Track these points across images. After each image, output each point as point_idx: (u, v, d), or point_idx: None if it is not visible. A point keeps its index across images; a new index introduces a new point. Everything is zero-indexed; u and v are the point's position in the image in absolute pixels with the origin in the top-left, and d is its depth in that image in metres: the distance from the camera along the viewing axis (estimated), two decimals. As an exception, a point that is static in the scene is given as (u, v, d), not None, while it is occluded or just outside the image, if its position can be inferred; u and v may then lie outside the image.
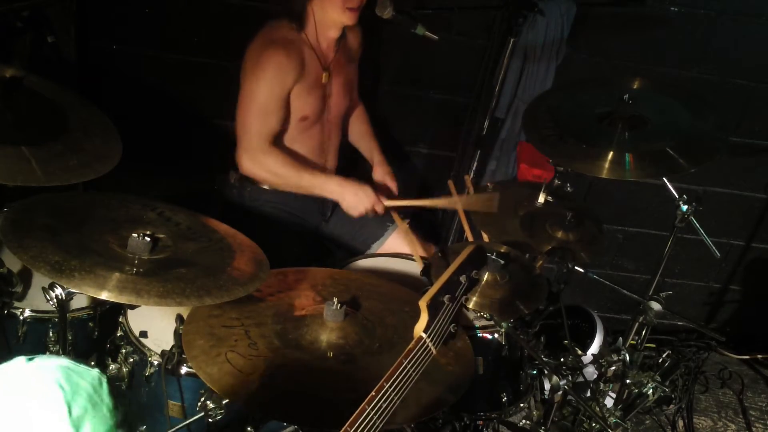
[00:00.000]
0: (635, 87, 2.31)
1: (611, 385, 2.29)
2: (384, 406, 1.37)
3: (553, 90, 2.85)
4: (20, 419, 0.96)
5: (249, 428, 1.81)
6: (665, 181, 2.17)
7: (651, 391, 2.32)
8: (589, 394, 2.29)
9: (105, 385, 1.05)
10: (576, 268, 2.14)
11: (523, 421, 2.25)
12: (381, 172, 2.67)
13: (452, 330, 1.62)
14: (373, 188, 2.45)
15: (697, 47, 3.02)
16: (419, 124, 3.10)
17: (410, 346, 1.49)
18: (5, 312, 1.92)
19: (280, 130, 2.42)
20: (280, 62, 2.31)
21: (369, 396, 1.36)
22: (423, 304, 1.54)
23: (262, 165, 2.40)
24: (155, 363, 1.84)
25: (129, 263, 1.65)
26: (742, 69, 3.07)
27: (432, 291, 1.56)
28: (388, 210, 2.51)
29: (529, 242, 2.20)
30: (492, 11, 2.79)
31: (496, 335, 2.12)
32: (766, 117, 3.19)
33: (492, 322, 2.08)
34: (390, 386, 1.39)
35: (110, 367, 1.89)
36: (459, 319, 1.64)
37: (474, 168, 2.82)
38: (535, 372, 2.23)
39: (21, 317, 1.93)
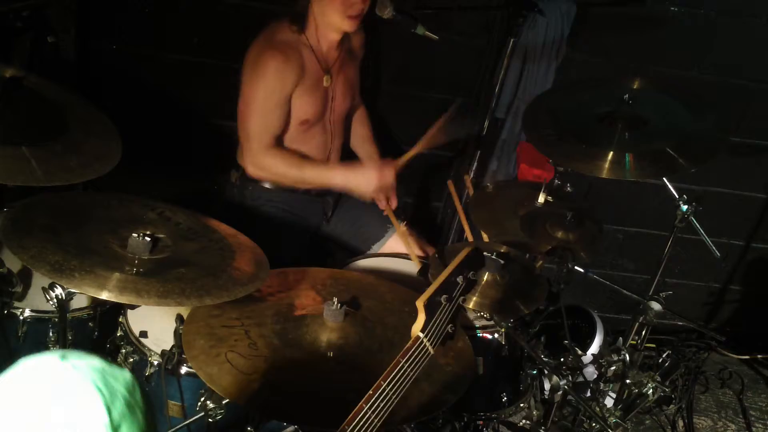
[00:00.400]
0: (635, 87, 2.31)
1: (611, 385, 2.30)
2: (382, 405, 1.37)
3: (553, 90, 2.85)
4: (61, 423, 0.91)
5: (249, 428, 1.82)
6: (665, 181, 2.17)
7: (651, 391, 2.32)
8: (589, 394, 2.29)
9: (137, 388, 1.01)
10: (576, 268, 2.14)
11: (523, 421, 2.25)
12: None
13: (450, 330, 1.62)
14: (374, 163, 2.47)
15: (697, 47, 3.02)
16: (419, 124, 3.08)
17: (407, 345, 1.49)
18: (5, 312, 1.92)
19: (281, 132, 2.42)
20: (279, 66, 2.31)
21: (367, 395, 1.36)
22: (420, 304, 1.54)
23: (266, 168, 2.41)
24: (155, 363, 1.84)
25: (129, 263, 1.65)
26: (742, 69, 3.07)
27: (429, 291, 1.56)
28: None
29: (529, 242, 2.20)
30: (492, 11, 2.80)
31: (496, 335, 2.12)
32: (766, 117, 3.19)
33: (492, 322, 2.08)
34: (387, 385, 1.40)
35: (110, 367, 1.89)
36: (457, 320, 1.64)
37: (474, 168, 2.82)
38: (535, 372, 2.24)
39: (21, 317, 1.93)
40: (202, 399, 1.76)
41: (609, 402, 2.32)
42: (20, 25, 2.31)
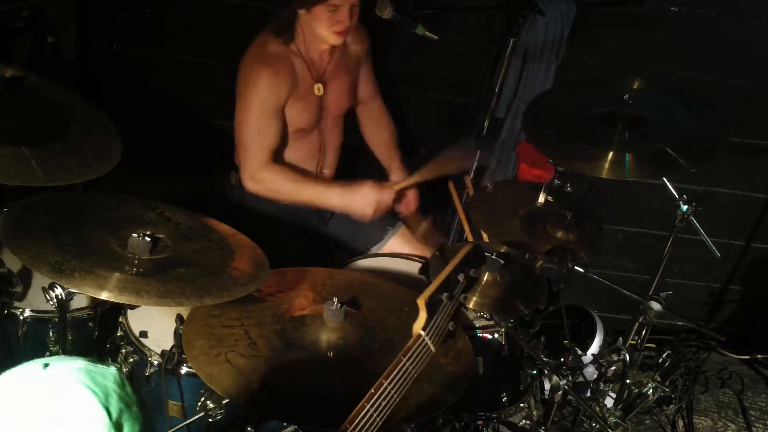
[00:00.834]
0: (635, 87, 2.31)
1: (611, 385, 2.30)
2: (383, 403, 1.37)
3: (553, 90, 2.85)
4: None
5: (249, 428, 1.81)
6: (665, 181, 2.17)
7: (651, 391, 2.33)
8: (589, 394, 2.29)
9: (126, 382, 0.99)
10: (576, 268, 2.14)
11: (523, 421, 2.25)
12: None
13: (451, 328, 1.62)
14: (372, 182, 2.42)
15: (697, 47, 3.01)
16: (419, 124, 3.09)
17: (409, 343, 1.50)
18: (5, 312, 1.92)
19: (279, 146, 2.41)
20: (270, 80, 2.30)
21: (368, 393, 1.36)
22: (421, 302, 1.54)
23: (263, 182, 2.40)
24: (155, 363, 1.84)
25: (129, 263, 1.65)
26: (742, 69, 3.07)
27: (430, 289, 1.57)
28: (389, 213, 2.50)
29: (529, 242, 2.20)
30: (492, 11, 2.79)
31: (496, 335, 2.12)
32: (766, 117, 3.19)
33: (492, 322, 2.08)
34: (389, 384, 1.40)
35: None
36: (458, 318, 1.64)
37: (474, 168, 2.82)
38: (535, 372, 2.23)
39: (21, 317, 1.93)
40: (202, 399, 1.76)
41: (609, 402, 2.32)
42: (20, 25, 2.32)
